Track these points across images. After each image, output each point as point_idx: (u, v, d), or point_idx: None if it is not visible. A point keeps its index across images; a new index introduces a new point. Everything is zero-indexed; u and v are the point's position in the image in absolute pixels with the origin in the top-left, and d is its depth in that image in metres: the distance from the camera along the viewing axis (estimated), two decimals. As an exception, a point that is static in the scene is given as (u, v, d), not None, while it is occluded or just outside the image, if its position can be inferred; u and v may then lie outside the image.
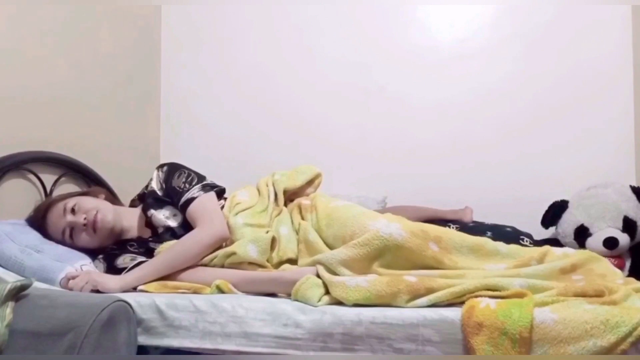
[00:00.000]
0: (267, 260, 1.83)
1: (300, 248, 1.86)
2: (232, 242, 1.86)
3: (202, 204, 1.92)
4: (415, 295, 1.52)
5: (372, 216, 1.80)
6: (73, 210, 1.95)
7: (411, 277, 1.58)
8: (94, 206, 1.97)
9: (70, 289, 1.71)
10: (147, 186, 2.06)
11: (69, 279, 1.74)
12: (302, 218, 1.95)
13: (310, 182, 2.13)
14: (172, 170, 2.02)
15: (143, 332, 1.55)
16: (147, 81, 3.06)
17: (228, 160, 3.04)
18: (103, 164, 2.57)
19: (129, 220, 2.04)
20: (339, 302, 1.56)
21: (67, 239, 1.95)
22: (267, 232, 1.86)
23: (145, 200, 2.02)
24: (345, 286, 1.55)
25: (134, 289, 1.75)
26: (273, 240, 1.85)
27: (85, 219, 1.93)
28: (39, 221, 2.00)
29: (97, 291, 1.70)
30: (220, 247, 1.86)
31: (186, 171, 2.03)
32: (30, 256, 1.86)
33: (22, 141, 2.21)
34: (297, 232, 1.91)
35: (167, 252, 1.82)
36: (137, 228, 2.04)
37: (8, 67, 2.21)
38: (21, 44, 2.26)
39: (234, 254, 1.80)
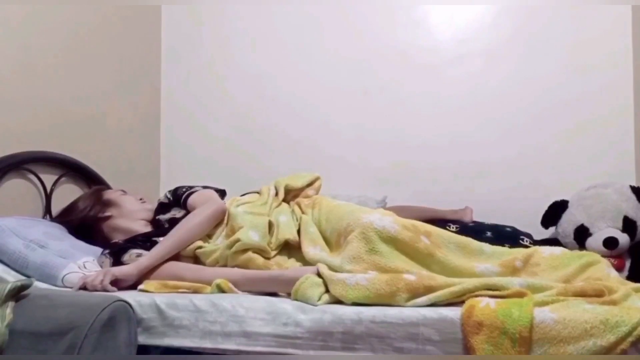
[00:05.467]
0: (268, 244, 1.89)
1: (301, 239, 1.91)
2: (232, 231, 1.91)
3: (202, 194, 2.11)
4: (415, 294, 1.53)
5: (366, 211, 1.87)
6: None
7: (410, 276, 1.58)
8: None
9: (87, 289, 1.73)
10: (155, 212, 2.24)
11: (83, 283, 1.75)
12: (303, 214, 2.01)
13: (310, 185, 2.20)
14: (178, 186, 2.22)
15: (143, 331, 1.56)
16: (147, 81, 3.06)
17: (228, 159, 3.05)
18: (103, 164, 2.58)
19: (143, 226, 2.17)
20: (339, 301, 1.56)
21: (119, 192, 2.25)
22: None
23: (155, 211, 2.21)
24: (345, 284, 1.56)
25: (135, 288, 1.76)
26: (271, 226, 1.94)
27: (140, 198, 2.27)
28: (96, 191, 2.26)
29: (115, 283, 1.74)
30: (221, 244, 1.92)
31: (190, 184, 2.23)
32: (34, 251, 1.88)
33: (22, 141, 2.22)
34: (296, 220, 1.99)
35: (173, 230, 1.93)
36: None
37: (8, 68, 2.21)
38: (21, 46, 2.27)
39: (238, 240, 1.85)
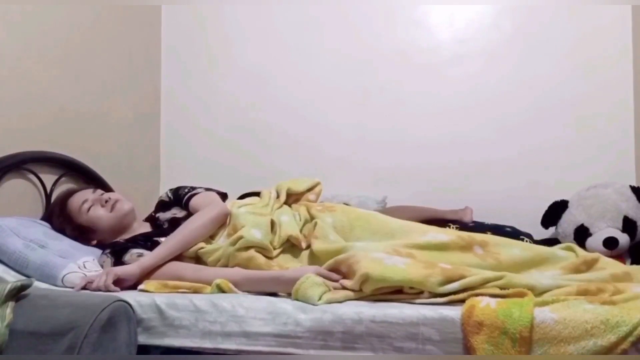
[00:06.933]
0: (270, 243, 1.90)
1: (318, 246, 1.86)
2: (234, 230, 1.92)
3: (204, 196, 2.12)
4: (449, 281, 1.55)
5: (418, 229, 1.90)
6: (101, 196, 2.13)
7: (446, 265, 1.62)
8: (119, 196, 2.16)
9: (90, 289, 1.73)
10: (155, 210, 2.23)
11: (85, 283, 1.75)
12: (311, 216, 2.01)
13: (311, 189, 2.21)
14: (180, 186, 2.23)
15: (143, 331, 1.56)
16: (147, 81, 3.06)
17: (228, 159, 3.05)
18: (103, 164, 2.58)
19: (140, 225, 2.16)
20: (339, 301, 1.55)
21: (84, 210, 2.06)
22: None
23: (155, 208, 2.20)
24: (383, 263, 1.58)
25: (135, 288, 1.76)
26: (273, 225, 1.95)
27: (109, 199, 2.10)
28: (64, 196, 2.15)
29: (118, 282, 1.74)
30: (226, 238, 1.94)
31: (192, 185, 2.22)
32: (35, 251, 1.89)
33: (22, 141, 2.22)
34: (300, 219, 2.00)
35: (176, 231, 1.92)
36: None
37: (8, 68, 2.21)
38: (22, 45, 2.26)
39: (241, 237, 1.86)
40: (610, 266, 1.74)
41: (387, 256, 1.63)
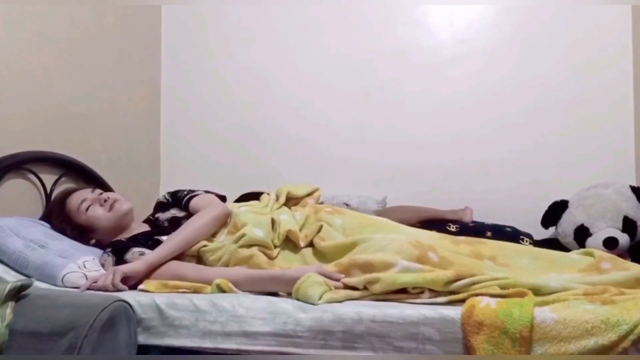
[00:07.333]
0: (272, 241, 1.92)
1: (323, 245, 1.89)
2: (235, 228, 1.95)
3: (204, 197, 2.14)
4: (460, 279, 1.56)
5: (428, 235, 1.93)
6: (100, 196, 2.13)
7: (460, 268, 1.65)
8: (117, 195, 2.17)
9: (96, 289, 1.73)
10: (154, 211, 2.24)
11: (90, 284, 1.75)
12: (318, 219, 2.02)
13: (309, 195, 2.24)
14: (178, 189, 2.25)
15: (143, 331, 1.56)
16: (147, 81, 3.06)
17: (228, 158, 3.05)
18: (103, 165, 2.58)
19: (139, 226, 2.15)
20: (339, 301, 1.55)
21: (82, 209, 2.06)
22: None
23: (153, 210, 2.21)
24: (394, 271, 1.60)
25: (135, 288, 1.76)
26: (273, 223, 1.97)
27: (107, 198, 2.10)
28: (62, 195, 2.15)
29: (124, 280, 1.75)
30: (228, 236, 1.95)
31: (190, 189, 2.24)
32: (35, 251, 1.89)
33: (22, 141, 2.22)
34: (301, 218, 2.02)
35: (179, 229, 1.94)
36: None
37: (8, 68, 2.21)
38: (21, 45, 2.26)
39: (244, 235, 1.89)
40: (634, 268, 1.71)
41: (400, 262, 1.63)
